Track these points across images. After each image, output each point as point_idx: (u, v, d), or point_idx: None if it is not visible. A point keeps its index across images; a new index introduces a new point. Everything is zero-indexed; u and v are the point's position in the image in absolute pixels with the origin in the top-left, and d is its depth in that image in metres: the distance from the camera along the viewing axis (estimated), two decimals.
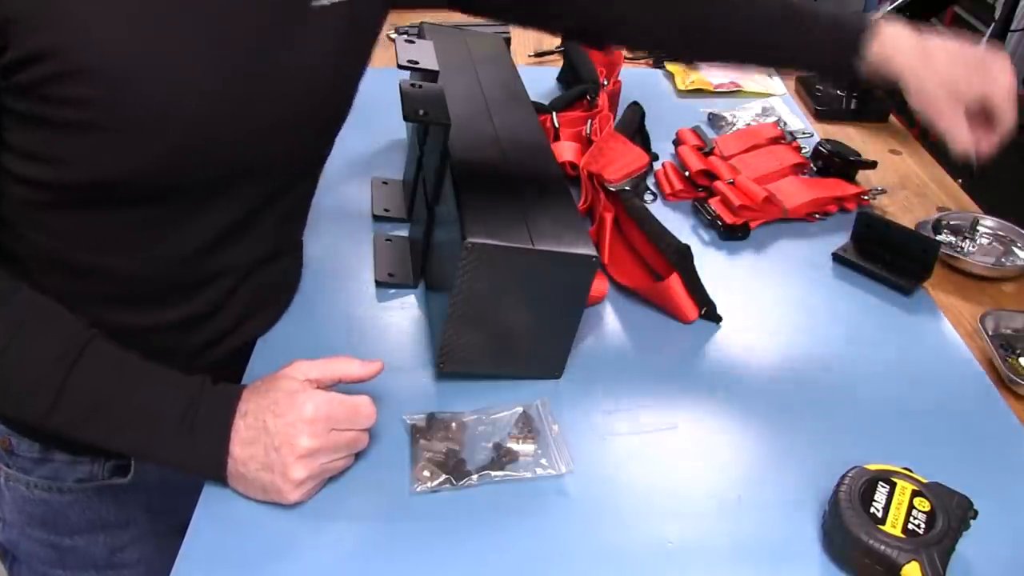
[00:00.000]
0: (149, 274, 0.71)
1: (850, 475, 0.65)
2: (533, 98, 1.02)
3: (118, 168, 0.62)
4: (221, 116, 0.64)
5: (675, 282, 0.87)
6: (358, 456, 0.71)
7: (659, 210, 1.07)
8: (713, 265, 0.97)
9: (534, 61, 1.56)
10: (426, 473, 0.69)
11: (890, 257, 0.96)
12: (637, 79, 1.42)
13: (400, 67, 0.88)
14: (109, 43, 0.57)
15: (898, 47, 0.80)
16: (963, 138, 0.79)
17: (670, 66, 1.49)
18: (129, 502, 0.84)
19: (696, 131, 1.20)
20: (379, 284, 0.92)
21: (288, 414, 0.65)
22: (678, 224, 1.05)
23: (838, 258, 0.99)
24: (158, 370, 0.67)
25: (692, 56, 1.05)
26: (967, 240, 1.03)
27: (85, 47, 0.56)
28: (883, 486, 0.64)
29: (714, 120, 1.31)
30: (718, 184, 1.07)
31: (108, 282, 0.71)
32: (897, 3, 1.27)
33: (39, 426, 0.64)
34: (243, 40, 0.63)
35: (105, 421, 0.64)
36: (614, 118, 1.20)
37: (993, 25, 1.80)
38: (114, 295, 0.72)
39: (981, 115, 0.80)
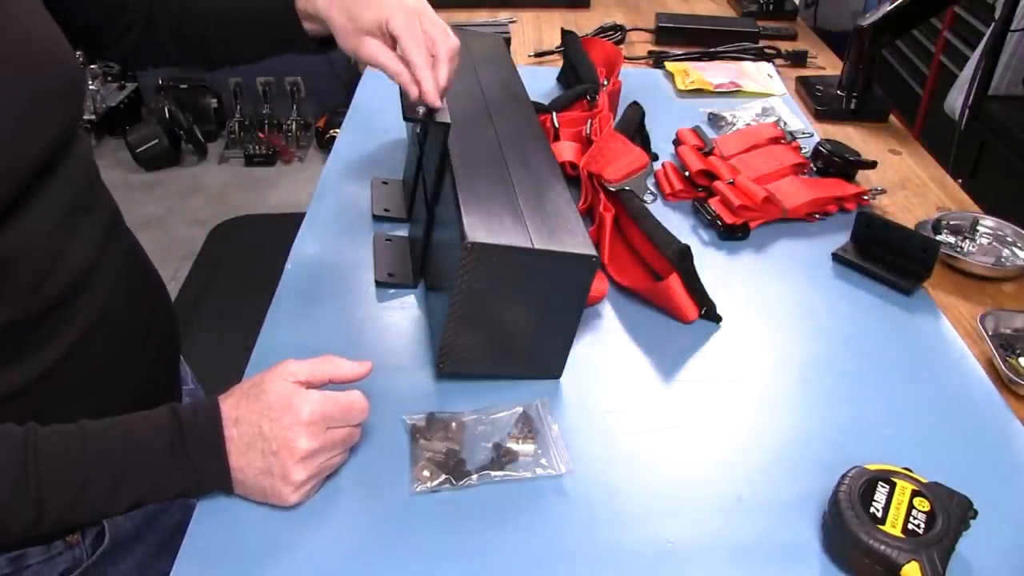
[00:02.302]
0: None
1: (850, 475, 0.65)
2: (533, 98, 1.02)
3: None
4: None
5: (675, 282, 0.87)
6: (357, 455, 0.71)
7: (659, 210, 1.07)
8: (713, 265, 0.97)
9: (534, 61, 1.56)
10: (426, 473, 0.69)
11: (890, 257, 0.96)
12: (637, 79, 1.42)
13: None
14: None
15: None
16: (383, 61, 0.78)
17: (670, 66, 1.50)
18: (119, 571, 0.79)
19: (696, 131, 1.20)
20: (379, 284, 0.92)
21: (284, 418, 0.64)
22: (678, 224, 1.05)
23: (838, 258, 0.99)
24: (118, 421, 0.64)
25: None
26: (967, 240, 1.03)
27: None
28: (883, 486, 0.64)
29: (714, 120, 1.31)
30: (718, 184, 1.07)
31: None
32: (897, 3, 1.27)
33: (34, 534, 0.60)
34: None
35: (97, 495, 0.61)
36: (614, 118, 1.20)
37: (993, 25, 1.80)
38: None
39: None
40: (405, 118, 0.78)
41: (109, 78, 3.44)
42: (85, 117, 3.27)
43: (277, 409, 0.64)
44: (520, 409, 0.75)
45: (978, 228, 1.04)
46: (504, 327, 0.76)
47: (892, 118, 1.36)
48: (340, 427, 0.67)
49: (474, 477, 0.69)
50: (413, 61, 0.76)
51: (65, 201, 0.68)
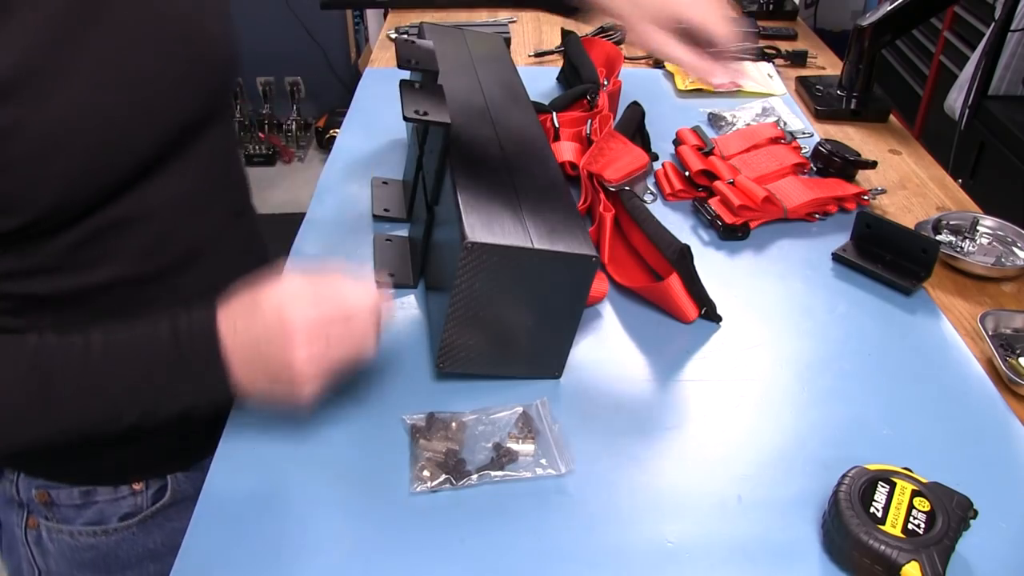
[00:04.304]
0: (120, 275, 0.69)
1: (850, 475, 0.65)
2: (533, 98, 1.02)
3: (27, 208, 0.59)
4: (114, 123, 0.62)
5: (675, 282, 0.87)
6: (357, 455, 0.71)
7: (659, 210, 1.07)
8: (713, 265, 0.97)
9: (534, 61, 1.56)
10: (426, 473, 0.69)
11: (890, 257, 0.96)
12: (637, 79, 1.42)
13: (400, 67, 0.88)
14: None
15: None
16: (675, 53, 0.78)
17: (670, 66, 1.50)
18: (174, 528, 0.83)
19: (696, 131, 1.20)
20: (379, 284, 0.92)
21: (279, 336, 0.62)
22: (678, 224, 1.05)
23: (838, 258, 0.99)
24: (124, 336, 0.64)
25: None
26: (967, 240, 1.03)
27: None
28: (883, 486, 0.64)
29: (714, 120, 1.31)
30: (718, 184, 1.07)
31: (91, 297, 0.69)
32: (897, 3, 1.27)
33: (44, 443, 0.63)
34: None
35: (103, 406, 0.63)
36: (614, 118, 1.20)
37: (993, 25, 1.80)
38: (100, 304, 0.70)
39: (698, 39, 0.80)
40: (405, 118, 0.78)
41: None
42: None
43: (272, 325, 0.62)
44: (520, 409, 0.75)
45: (978, 228, 1.04)
46: (504, 327, 0.76)
47: (892, 118, 1.36)
48: (345, 330, 0.65)
49: (474, 477, 0.69)
50: (716, 34, 0.76)
51: (197, 177, 0.72)
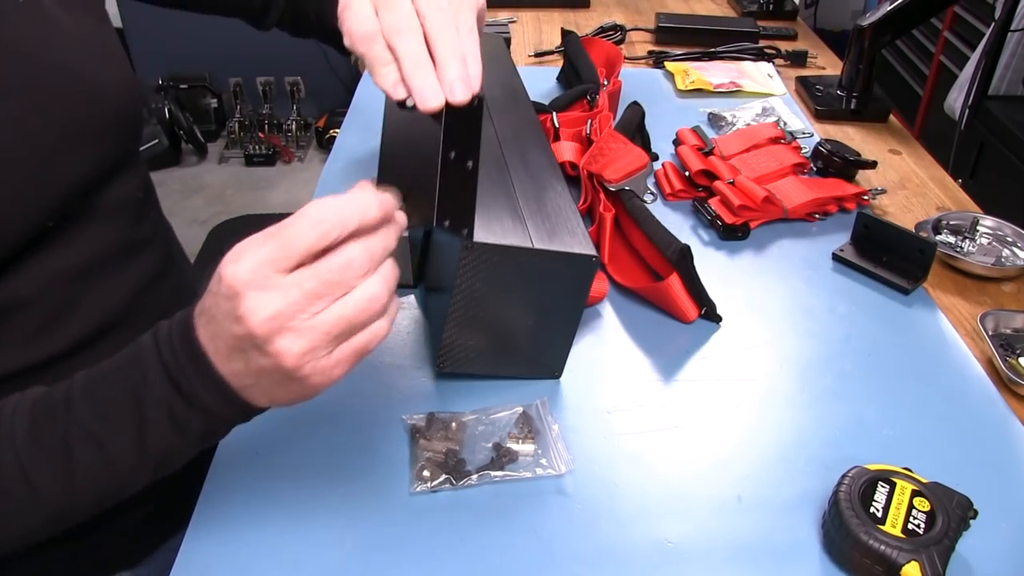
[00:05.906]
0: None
1: (850, 475, 0.65)
2: (533, 98, 1.02)
3: None
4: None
5: (675, 282, 0.87)
6: (357, 455, 0.71)
7: (659, 210, 1.07)
8: (713, 265, 0.97)
9: (534, 61, 1.56)
10: (426, 473, 0.69)
11: (888, 258, 0.96)
12: (637, 79, 1.42)
13: None
14: None
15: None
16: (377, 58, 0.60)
17: (670, 66, 1.50)
18: None
19: (696, 131, 1.20)
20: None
21: (225, 299, 0.47)
22: (678, 224, 1.05)
23: (838, 258, 0.99)
24: (97, 374, 0.53)
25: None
26: (967, 240, 1.03)
27: None
28: (883, 486, 0.64)
29: (714, 120, 1.31)
30: (718, 184, 1.07)
31: None
32: (897, 3, 1.27)
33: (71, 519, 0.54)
34: None
35: (93, 461, 0.52)
36: (614, 118, 1.20)
37: (993, 25, 1.80)
38: None
39: None
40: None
41: None
42: None
43: (220, 289, 0.48)
44: (520, 409, 0.75)
45: (978, 228, 1.04)
46: (504, 327, 0.76)
47: (892, 118, 1.36)
48: (341, 295, 0.48)
49: (474, 477, 0.69)
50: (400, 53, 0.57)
51: (94, 244, 0.63)
